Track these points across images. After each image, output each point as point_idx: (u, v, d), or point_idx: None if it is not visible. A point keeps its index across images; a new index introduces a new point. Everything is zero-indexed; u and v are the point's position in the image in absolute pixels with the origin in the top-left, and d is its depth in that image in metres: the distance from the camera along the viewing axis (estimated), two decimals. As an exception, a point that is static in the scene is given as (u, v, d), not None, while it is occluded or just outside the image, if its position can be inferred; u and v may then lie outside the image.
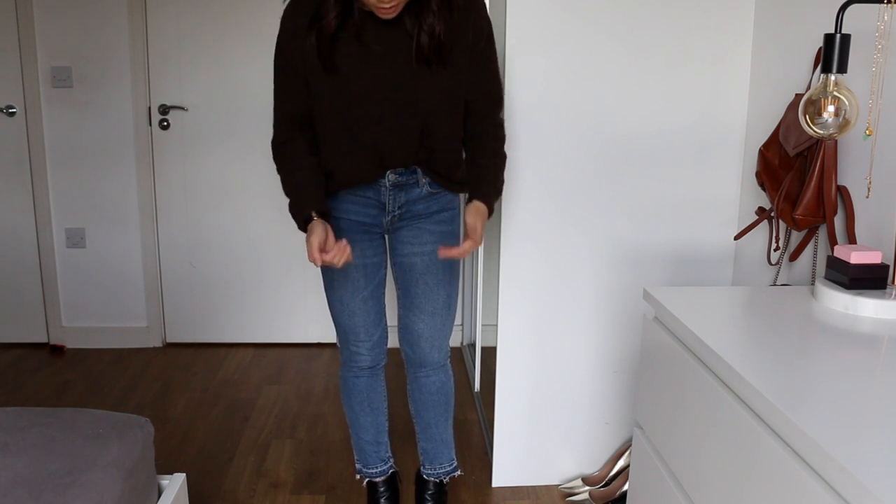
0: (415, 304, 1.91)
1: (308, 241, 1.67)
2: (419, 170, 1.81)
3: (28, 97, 3.24)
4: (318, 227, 1.67)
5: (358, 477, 2.15)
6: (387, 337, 2.00)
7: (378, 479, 2.12)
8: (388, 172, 1.80)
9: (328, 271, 1.89)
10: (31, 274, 3.42)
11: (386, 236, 1.94)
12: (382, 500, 2.12)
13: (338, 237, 1.84)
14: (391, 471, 2.14)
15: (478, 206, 1.73)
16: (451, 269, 1.91)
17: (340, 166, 1.78)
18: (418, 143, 1.76)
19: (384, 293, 1.96)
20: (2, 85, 3.25)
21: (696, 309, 1.33)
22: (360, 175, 1.80)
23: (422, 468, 2.13)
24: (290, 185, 1.78)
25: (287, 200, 1.79)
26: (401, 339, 1.98)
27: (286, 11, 1.72)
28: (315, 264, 1.66)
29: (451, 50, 1.69)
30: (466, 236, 1.69)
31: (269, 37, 3.24)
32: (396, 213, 1.85)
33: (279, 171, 1.81)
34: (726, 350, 1.14)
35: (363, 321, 1.91)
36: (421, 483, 2.15)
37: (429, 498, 2.12)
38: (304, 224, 1.72)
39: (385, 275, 1.96)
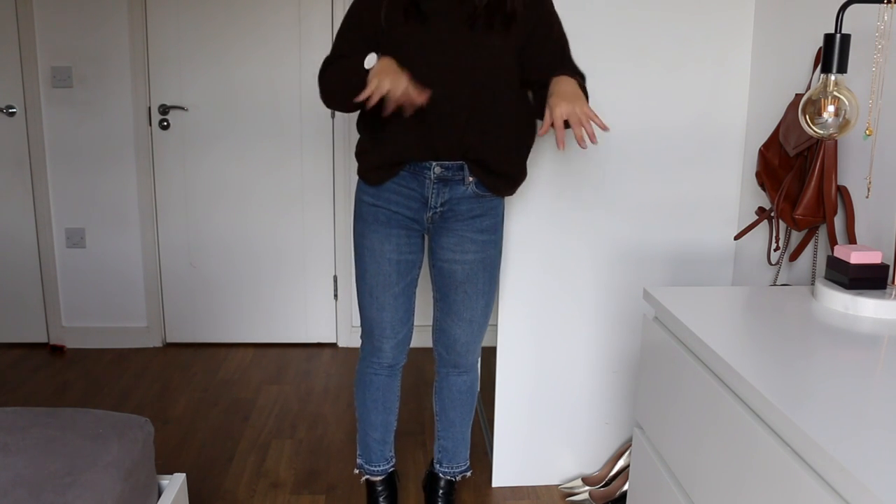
0: (453, 311, 1.92)
1: (390, 67, 1.59)
2: (466, 166, 1.77)
3: (28, 97, 3.24)
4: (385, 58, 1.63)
5: (357, 472, 2.15)
6: (411, 337, 1.99)
7: (378, 478, 2.12)
8: (435, 164, 1.76)
9: (362, 260, 1.87)
10: (31, 274, 3.42)
11: (426, 236, 1.92)
12: (381, 499, 2.12)
13: (378, 228, 1.84)
14: (391, 470, 2.14)
15: (560, 80, 1.62)
16: (490, 278, 1.91)
17: (390, 136, 1.75)
18: (469, 114, 1.72)
19: (415, 293, 1.95)
20: (2, 85, 3.25)
21: (696, 309, 1.33)
22: (409, 148, 1.75)
23: (438, 466, 2.13)
24: (346, 62, 1.71)
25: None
26: (436, 341, 2.00)
27: None
28: (385, 89, 1.56)
29: (512, 18, 1.68)
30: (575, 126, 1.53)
31: (268, 37, 3.25)
32: (438, 209, 1.82)
33: (328, 77, 1.75)
34: (726, 350, 1.14)
35: (391, 317, 1.90)
36: (434, 481, 2.15)
37: (442, 496, 2.13)
38: (365, 62, 1.63)
39: (418, 275, 1.93)
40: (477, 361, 2.04)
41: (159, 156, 3.34)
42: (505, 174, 1.81)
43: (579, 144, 1.53)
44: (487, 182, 1.80)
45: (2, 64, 3.23)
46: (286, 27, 3.23)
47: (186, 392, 3.01)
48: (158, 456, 2.50)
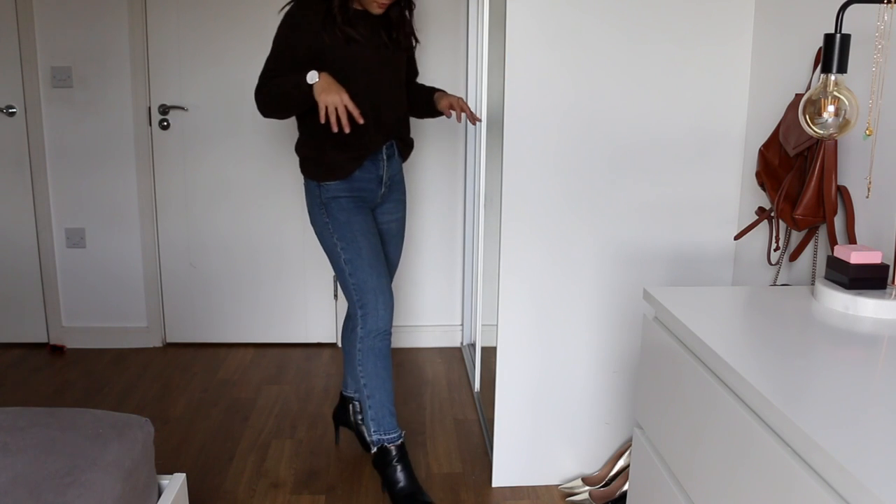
0: (388, 261, 2.37)
1: (333, 85, 1.99)
2: (395, 143, 2.25)
3: (28, 97, 3.24)
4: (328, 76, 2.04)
5: (374, 450, 2.23)
6: None
7: (394, 444, 2.22)
8: (384, 148, 2.21)
9: (355, 242, 2.15)
10: (31, 274, 3.42)
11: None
12: (395, 462, 2.21)
13: (359, 211, 2.19)
14: (403, 433, 2.26)
15: (441, 93, 2.33)
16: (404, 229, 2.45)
17: (356, 136, 2.12)
18: (393, 108, 2.21)
19: None
20: (2, 85, 3.25)
21: (696, 309, 1.33)
22: (373, 142, 2.17)
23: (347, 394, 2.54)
24: (283, 79, 2.08)
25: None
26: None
27: (294, 7, 2.10)
28: (340, 105, 1.98)
29: (403, 42, 2.22)
30: (457, 109, 2.25)
31: (269, 37, 3.23)
32: (387, 184, 2.27)
33: (267, 93, 2.11)
34: (726, 350, 1.14)
35: (386, 281, 2.19)
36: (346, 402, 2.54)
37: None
38: (307, 78, 2.01)
39: None
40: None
41: (159, 156, 3.34)
42: (411, 142, 2.34)
43: (472, 121, 2.22)
44: (405, 152, 2.32)
45: (2, 64, 3.23)
46: (286, 27, 3.23)
47: (186, 392, 3.02)
48: (158, 456, 2.50)
